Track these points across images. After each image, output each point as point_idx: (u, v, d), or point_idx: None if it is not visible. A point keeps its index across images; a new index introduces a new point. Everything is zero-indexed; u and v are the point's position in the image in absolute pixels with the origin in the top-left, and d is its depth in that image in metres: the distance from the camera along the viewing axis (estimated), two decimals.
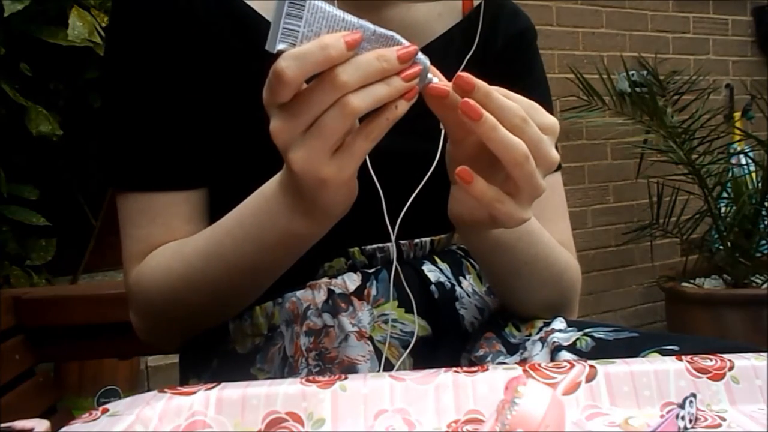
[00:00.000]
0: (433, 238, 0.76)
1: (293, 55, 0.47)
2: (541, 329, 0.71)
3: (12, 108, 1.57)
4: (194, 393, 0.48)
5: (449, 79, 0.57)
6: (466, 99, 0.50)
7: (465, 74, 0.51)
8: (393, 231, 0.67)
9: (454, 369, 0.51)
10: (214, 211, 0.71)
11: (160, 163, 0.69)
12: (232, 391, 0.48)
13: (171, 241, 0.69)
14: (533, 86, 0.81)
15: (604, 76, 2.81)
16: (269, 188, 0.60)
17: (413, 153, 0.68)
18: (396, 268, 0.70)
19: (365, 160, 0.67)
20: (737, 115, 3.34)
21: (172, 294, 0.67)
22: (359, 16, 0.50)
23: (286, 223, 0.58)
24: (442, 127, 0.67)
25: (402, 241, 0.73)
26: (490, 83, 0.66)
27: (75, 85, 1.67)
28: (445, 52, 0.74)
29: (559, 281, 0.74)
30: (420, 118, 0.64)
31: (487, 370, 0.51)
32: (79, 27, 1.57)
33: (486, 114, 0.50)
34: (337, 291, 0.70)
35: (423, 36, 0.74)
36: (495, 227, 0.59)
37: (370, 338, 0.67)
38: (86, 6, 1.65)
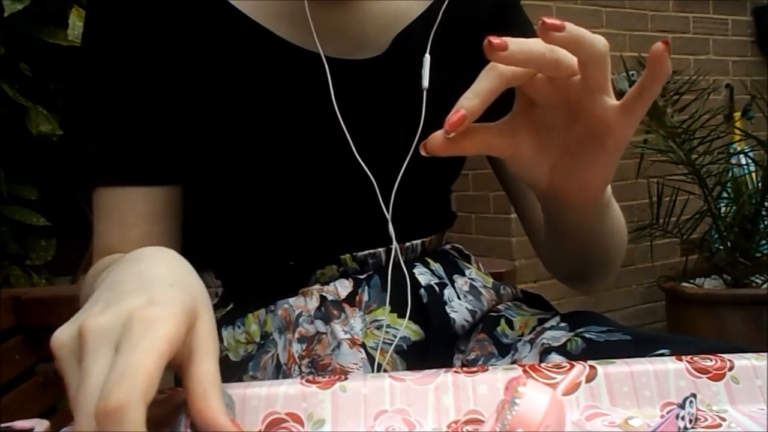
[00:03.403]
0: (423, 239, 0.76)
1: None
2: (533, 329, 0.71)
3: (12, 108, 1.57)
4: None
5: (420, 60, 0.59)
6: (543, 18, 0.46)
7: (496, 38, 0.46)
8: (389, 218, 0.67)
9: (454, 369, 0.51)
10: (194, 210, 0.70)
11: (120, 156, 0.68)
12: (232, 391, 0.48)
13: (127, 241, 0.67)
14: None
15: None
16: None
17: (396, 140, 0.69)
18: (389, 270, 0.70)
19: (356, 156, 0.68)
20: (737, 115, 3.34)
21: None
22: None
23: None
24: (422, 115, 0.69)
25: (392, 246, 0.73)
26: (479, 56, 0.67)
27: None
28: (426, 33, 0.73)
29: (621, 246, 0.72)
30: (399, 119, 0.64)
31: (487, 370, 0.51)
32: (79, 27, 1.57)
33: (566, 23, 0.46)
34: (330, 298, 0.69)
35: (402, 17, 0.73)
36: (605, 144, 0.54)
37: (363, 345, 0.67)
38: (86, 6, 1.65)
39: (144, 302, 0.39)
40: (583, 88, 0.50)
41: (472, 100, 0.48)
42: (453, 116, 0.48)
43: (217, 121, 0.67)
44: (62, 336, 0.40)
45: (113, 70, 0.67)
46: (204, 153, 0.69)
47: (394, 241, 0.70)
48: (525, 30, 0.81)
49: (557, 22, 0.45)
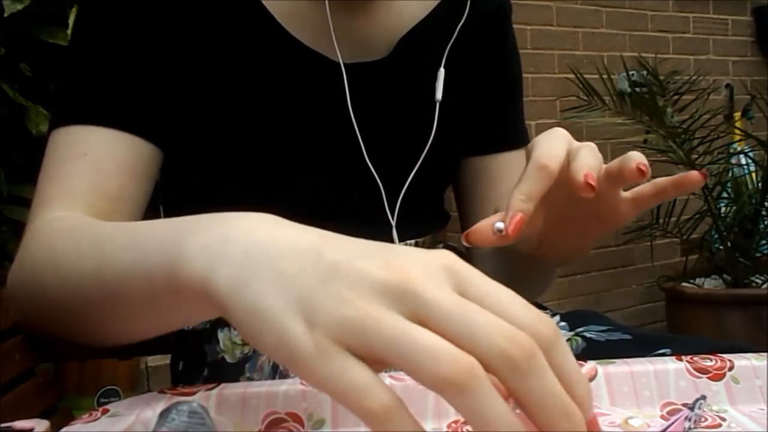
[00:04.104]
0: (417, 239, 0.76)
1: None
2: None
3: (12, 108, 1.56)
4: (194, 393, 0.48)
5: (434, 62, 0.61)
6: (641, 167, 0.50)
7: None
8: (393, 224, 0.67)
9: None
10: (196, 208, 0.70)
11: (108, 94, 0.61)
12: (232, 391, 0.48)
13: (100, 192, 0.58)
14: (507, 55, 0.83)
15: (604, 76, 2.80)
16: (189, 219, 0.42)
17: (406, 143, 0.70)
18: None
19: (366, 159, 0.68)
20: (737, 115, 3.34)
21: (39, 270, 0.55)
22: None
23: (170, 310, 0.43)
24: (434, 126, 0.71)
25: None
26: (470, 59, 0.72)
27: None
28: (429, 35, 0.74)
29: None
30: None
31: None
32: None
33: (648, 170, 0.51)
34: None
35: (406, 20, 0.74)
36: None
37: None
38: None
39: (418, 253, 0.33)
40: (606, 184, 0.53)
41: (527, 203, 0.50)
42: (513, 220, 0.50)
43: (224, 114, 0.67)
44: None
45: (119, 35, 0.64)
46: (208, 149, 0.68)
47: (397, 243, 0.70)
48: (506, 40, 0.83)
49: (647, 168, 0.50)
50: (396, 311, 0.30)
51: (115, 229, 0.51)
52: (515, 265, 0.70)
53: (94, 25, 0.65)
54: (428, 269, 0.32)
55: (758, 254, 2.75)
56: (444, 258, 0.33)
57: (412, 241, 0.75)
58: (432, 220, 0.81)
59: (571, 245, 0.60)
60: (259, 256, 0.34)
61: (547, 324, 0.32)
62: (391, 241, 0.70)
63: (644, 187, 0.54)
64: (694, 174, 0.51)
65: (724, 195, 2.83)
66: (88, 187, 0.58)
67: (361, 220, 0.71)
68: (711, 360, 0.52)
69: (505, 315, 0.31)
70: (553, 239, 0.59)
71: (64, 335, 0.56)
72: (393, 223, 0.69)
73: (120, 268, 0.44)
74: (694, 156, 2.71)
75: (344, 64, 0.69)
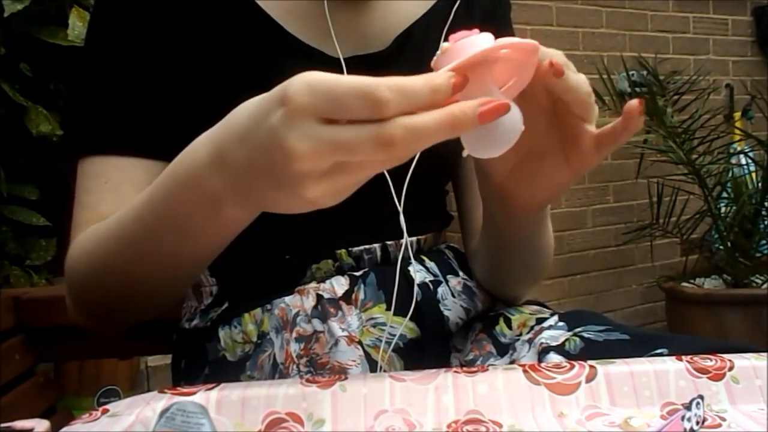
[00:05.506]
0: (419, 237, 0.76)
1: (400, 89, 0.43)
2: (531, 328, 0.71)
3: (12, 108, 1.57)
4: (194, 393, 0.48)
5: (433, 53, 0.60)
6: (552, 61, 0.51)
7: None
8: (401, 209, 0.68)
9: (454, 369, 0.51)
10: None
11: (121, 125, 0.68)
12: (232, 391, 0.48)
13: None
14: None
15: (604, 76, 2.81)
16: (184, 172, 0.54)
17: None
18: (387, 266, 0.71)
19: None
20: (737, 115, 3.34)
21: (87, 276, 0.64)
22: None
23: (209, 213, 0.53)
24: None
25: (388, 242, 0.73)
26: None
27: None
28: (427, 32, 0.75)
29: (545, 265, 0.76)
30: None
31: (487, 370, 0.51)
32: (79, 27, 1.57)
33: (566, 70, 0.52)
34: (326, 296, 0.69)
35: (404, 18, 0.75)
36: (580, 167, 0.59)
37: (360, 342, 0.67)
38: (86, 6, 1.65)
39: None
40: (569, 109, 0.55)
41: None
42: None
43: (222, 110, 0.68)
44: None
45: (124, 48, 0.68)
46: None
47: (405, 235, 0.70)
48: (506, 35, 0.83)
49: (561, 66, 0.51)
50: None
51: (120, 222, 0.61)
52: (496, 229, 0.69)
53: (101, 46, 0.69)
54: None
55: (758, 254, 2.75)
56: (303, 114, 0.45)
57: (414, 239, 0.75)
58: (434, 218, 0.81)
59: (535, 185, 0.59)
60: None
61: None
62: (384, 233, 0.72)
63: (605, 127, 0.56)
64: (633, 102, 0.53)
65: (724, 195, 2.83)
66: (112, 211, 0.65)
67: (367, 209, 0.71)
68: (711, 360, 0.52)
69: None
70: (519, 175, 0.59)
71: (128, 313, 0.67)
72: (400, 209, 0.69)
73: (166, 245, 0.57)
74: (694, 156, 2.71)
75: (343, 59, 0.70)
